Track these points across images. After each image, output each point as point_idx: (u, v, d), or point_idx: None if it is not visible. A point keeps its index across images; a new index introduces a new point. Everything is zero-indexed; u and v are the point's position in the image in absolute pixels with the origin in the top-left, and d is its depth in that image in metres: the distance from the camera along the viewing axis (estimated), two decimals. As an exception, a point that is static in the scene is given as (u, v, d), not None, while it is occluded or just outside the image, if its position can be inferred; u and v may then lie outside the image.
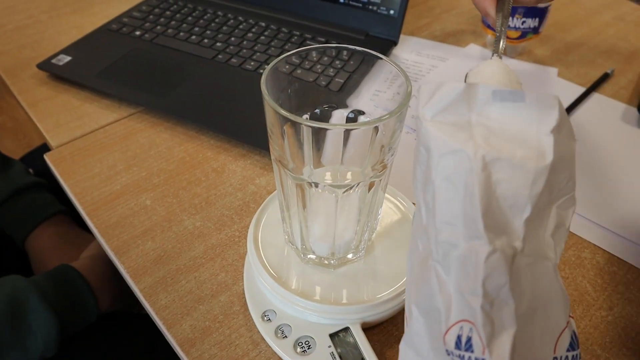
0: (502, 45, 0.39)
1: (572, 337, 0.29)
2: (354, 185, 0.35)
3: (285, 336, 0.38)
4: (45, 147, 0.92)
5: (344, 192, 0.34)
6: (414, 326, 0.29)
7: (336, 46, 0.38)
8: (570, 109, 0.61)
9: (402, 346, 0.31)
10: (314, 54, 0.38)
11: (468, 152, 0.27)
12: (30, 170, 0.71)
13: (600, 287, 0.44)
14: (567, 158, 0.28)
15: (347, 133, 0.33)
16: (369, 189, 0.36)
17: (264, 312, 0.40)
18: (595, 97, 0.64)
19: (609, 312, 0.43)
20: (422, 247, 0.30)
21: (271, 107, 0.32)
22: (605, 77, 0.66)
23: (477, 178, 0.26)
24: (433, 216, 0.28)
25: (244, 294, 0.42)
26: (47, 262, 0.63)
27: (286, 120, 0.32)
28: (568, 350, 0.29)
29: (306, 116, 0.39)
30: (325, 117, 0.40)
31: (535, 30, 0.66)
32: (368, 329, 0.40)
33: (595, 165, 0.54)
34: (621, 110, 0.62)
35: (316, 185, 0.35)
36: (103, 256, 0.62)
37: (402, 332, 0.40)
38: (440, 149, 0.28)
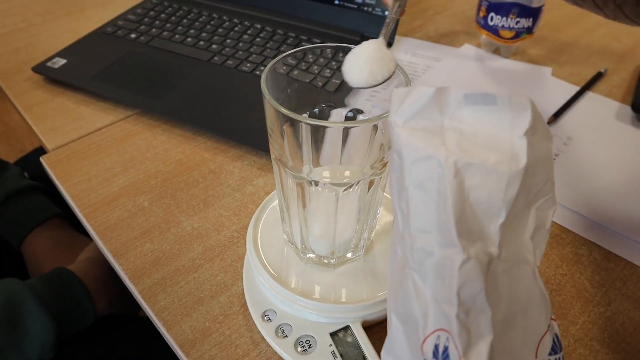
0: (390, 29, 0.39)
1: (554, 341, 0.29)
2: (354, 184, 0.35)
3: (286, 335, 0.38)
4: (39, 151, 0.92)
5: (344, 190, 0.35)
6: (394, 334, 0.29)
7: (334, 45, 0.38)
8: (566, 107, 0.61)
9: (384, 354, 0.30)
10: (310, 55, 0.38)
11: (439, 158, 0.27)
12: (25, 174, 0.70)
13: (598, 284, 0.45)
14: (543, 159, 0.28)
15: (346, 132, 0.33)
16: (369, 188, 0.36)
17: (264, 312, 0.40)
18: (590, 96, 0.64)
19: (607, 307, 0.43)
20: (401, 253, 0.30)
21: (271, 106, 0.32)
22: (598, 76, 0.67)
23: (450, 184, 0.26)
24: (408, 223, 0.28)
25: (243, 294, 0.42)
26: (44, 265, 0.63)
27: (286, 119, 0.32)
28: (550, 354, 0.29)
29: (305, 115, 0.39)
30: (323, 117, 0.40)
31: (529, 31, 0.67)
32: (368, 327, 0.40)
33: (591, 163, 0.55)
34: (615, 109, 0.63)
35: (316, 183, 0.35)
36: (100, 259, 0.62)
37: (402, 330, 0.40)
38: (412, 155, 0.28)
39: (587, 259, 0.47)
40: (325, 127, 0.31)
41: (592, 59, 0.71)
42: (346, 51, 0.38)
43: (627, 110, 0.62)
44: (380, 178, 0.36)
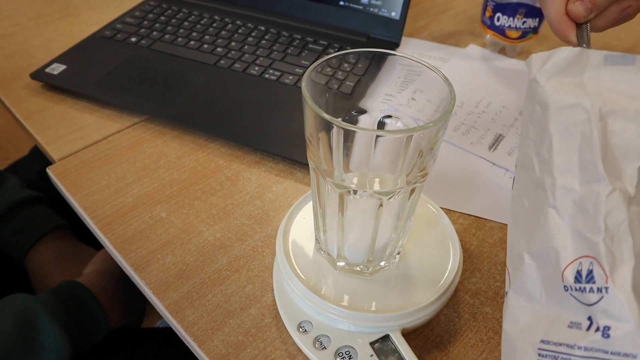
0: (588, 36, 0.43)
1: None
2: (396, 192, 0.34)
3: (325, 347, 0.37)
4: (29, 158, 0.89)
5: (389, 198, 0.34)
6: (526, 271, 0.32)
7: (372, 51, 0.37)
8: (575, 106, 0.62)
9: (511, 294, 0.33)
10: (334, 60, 0.37)
11: (585, 105, 0.30)
12: (24, 185, 0.68)
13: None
14: None
15: (378, 138, 0.32)
16: (410, 194, 0.35)
17: (300, 324, 0.39)
18: (596, 95, 0.65)
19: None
20: (528, 204, 0.33)
21: (313, 112, 0.31)
22: (603, 75, 0.68)
23: (595, 127, 0.30)
24: (549, 166, 0.31)
25: (274, 305, 0.41)
26: (49, 278, 0.61)
27: (323, 125, 0.31)
28: None
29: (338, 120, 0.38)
30: (353, 122, 0.39)
31: (535, 30, 0.67)
32: (406, 334, 0.39)
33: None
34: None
35: (356, 192, 0.34)
36: (108, 270, 0.60)
37: (438, 335, 0.40)
38: (557, 104, 0.31)
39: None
40: (355, 133, 0.31)
41: (594, 57, 0.72)
42: (378, 56, 0.37)
43: (635, 108, 0.63)
44: (422, 185, 0.35)
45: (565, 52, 0.33)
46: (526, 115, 0.35)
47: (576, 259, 0.29)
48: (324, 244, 0.40)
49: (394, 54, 0.37)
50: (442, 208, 0.49)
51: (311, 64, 0.35)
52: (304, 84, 0.32)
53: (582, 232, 0.29)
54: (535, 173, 0.33)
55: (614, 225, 0.28)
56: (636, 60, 0.32)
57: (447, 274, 0.40)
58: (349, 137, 0.31)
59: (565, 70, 0.32)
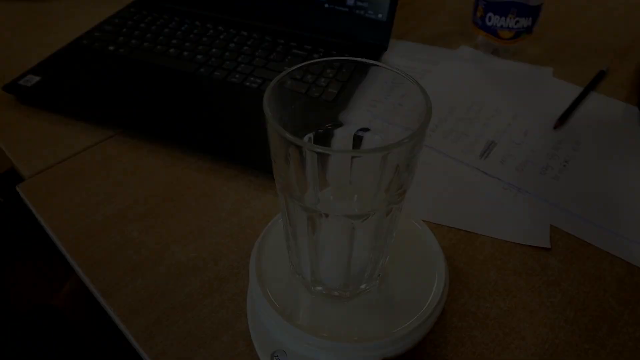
0: None
1: None
2: (371, 214, 0.31)
3: (299, 379, 0.35)
4: (7, 175, 0.87)
5: (362, 220, 0.31)
6: None
7: (345, 59, 0.35)
8: (571, 109, 0.59)
9: None
10: (313, 67, 0.35)
11: None
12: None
13: (624, 301, 0.42)
14: None
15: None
16: (387, 214, 0.32)
17: (274, 353, 0.36)
18: (594, 96, 0.62)
19: (637, 327, 0.40)
20: None
21: (275, 131, 0.29)
22: (601, 75, 0.65)
23: None
24: None
25: (248, 331, 0.39)
26: (24, 298, 0.58)
27: (290, 144, 0.29)
28: None
29: (309, 136, 0.35)
30: (329, 136, 0.37)
31: (529, 30, 0.64)
32: (387, 363, 0.36)
33: (604, 168, 0.52)
34: (621, 109, 0.60)
35: (327, 215, 0.32)
36: (84, 290, 0.57)
37: (424, 364, 0.37)
38: None
39: (609, 274, 0.44)
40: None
41: (591, 57, 0.69)
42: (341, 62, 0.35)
43: (634, 110, 0.60)
44: (399, 204, 0.33)
45: None
46: None
47: None
48: (298, 266, 0.37)
49: (363, 61, 0.34)
50: (430, 223, 0.47)
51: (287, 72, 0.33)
52: (265, 100, 0.30)
53: None
54: None
55: None
56: None
57: (431, 296, 0.37)
58: (320, 156, 0.29)
59: None
